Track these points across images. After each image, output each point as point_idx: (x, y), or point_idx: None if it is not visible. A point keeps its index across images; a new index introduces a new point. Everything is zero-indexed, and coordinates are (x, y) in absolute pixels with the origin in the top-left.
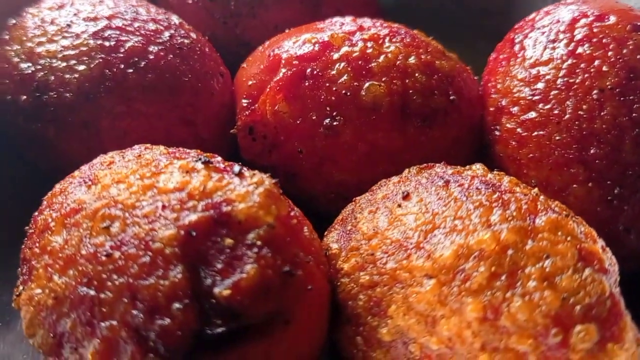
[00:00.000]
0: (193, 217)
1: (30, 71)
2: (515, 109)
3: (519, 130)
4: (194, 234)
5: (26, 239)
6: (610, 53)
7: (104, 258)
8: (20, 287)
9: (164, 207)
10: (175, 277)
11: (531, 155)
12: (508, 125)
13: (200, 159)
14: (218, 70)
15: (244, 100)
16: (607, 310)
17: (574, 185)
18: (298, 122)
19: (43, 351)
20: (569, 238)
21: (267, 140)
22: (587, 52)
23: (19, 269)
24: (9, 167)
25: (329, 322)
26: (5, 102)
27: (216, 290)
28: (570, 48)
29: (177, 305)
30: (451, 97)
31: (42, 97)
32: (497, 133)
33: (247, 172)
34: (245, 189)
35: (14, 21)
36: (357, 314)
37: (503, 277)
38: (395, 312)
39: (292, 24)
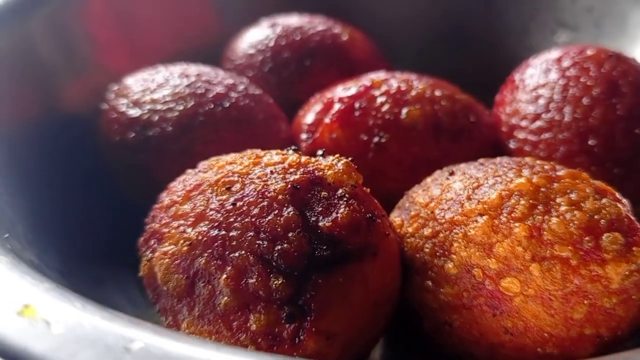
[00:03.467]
0: (296, 176)
1: (137, 115)
2: (524, 122)
3: (529, 137)
4: (298, 187)
5: (149, 222)
6: (592, 73)
7: (230, 207)
8: (149, 254)
9: (271, 172)
10: (289, 214)
11: (542, 154)
12: (520, 136)
13: (290, 149)
14: (281, 116)
15: (303, 135)
16: (626, 225)
17: None
18: (352, 143)
19: (176, 294)
20: (584, 181)
21: None
22: (574, 73)
23: (142, 249)
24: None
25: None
26: (113, 143)
27: (320, 223)
28: (560, 73)
29: (292, 233)
30: (472, 120)
31: (147, 132)
32: (512, 145)
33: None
34: (330, 162)
35: (117, 86)
36: (425, 262)
37: (540, 207)
38: (458, 247)
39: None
